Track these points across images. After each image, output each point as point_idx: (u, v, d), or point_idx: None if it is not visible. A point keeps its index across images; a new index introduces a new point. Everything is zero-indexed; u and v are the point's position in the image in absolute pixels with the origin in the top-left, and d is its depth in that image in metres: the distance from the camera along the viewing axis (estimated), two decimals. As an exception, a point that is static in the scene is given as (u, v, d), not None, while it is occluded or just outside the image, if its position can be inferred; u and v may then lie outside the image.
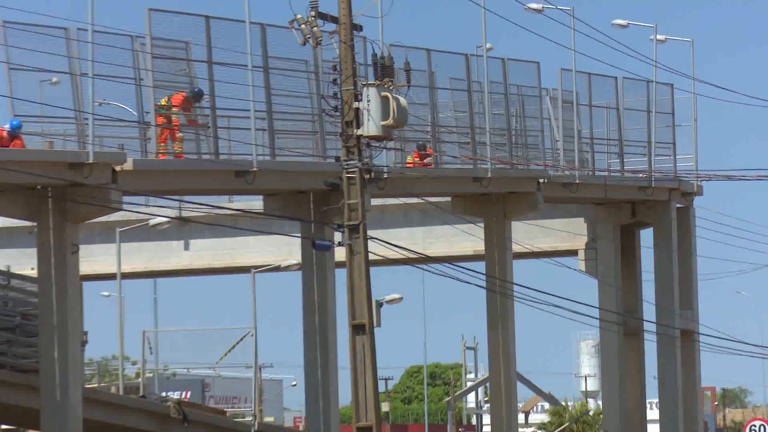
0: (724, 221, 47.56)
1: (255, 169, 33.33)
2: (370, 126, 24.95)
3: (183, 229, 54.11)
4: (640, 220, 46.30)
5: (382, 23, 31.91)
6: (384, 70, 26.06)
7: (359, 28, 26.48)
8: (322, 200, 33.06)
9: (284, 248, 48.39)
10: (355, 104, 25.01)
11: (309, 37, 25.67)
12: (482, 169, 39.21)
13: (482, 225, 42.93)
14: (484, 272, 39.31)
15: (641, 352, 48.06)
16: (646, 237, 48.88)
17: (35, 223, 31.26)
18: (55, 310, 29.42)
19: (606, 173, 43.28)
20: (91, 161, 28.11)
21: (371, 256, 26.81)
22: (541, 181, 41.78)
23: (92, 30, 28.27)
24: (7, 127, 28.31)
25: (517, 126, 42.04)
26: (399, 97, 26.03)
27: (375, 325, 26.78)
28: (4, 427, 51.71)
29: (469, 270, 34.51)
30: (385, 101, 25.21)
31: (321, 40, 25.88)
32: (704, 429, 60.49)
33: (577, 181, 41.97)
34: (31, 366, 33.51)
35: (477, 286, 35.34)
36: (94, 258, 51.01)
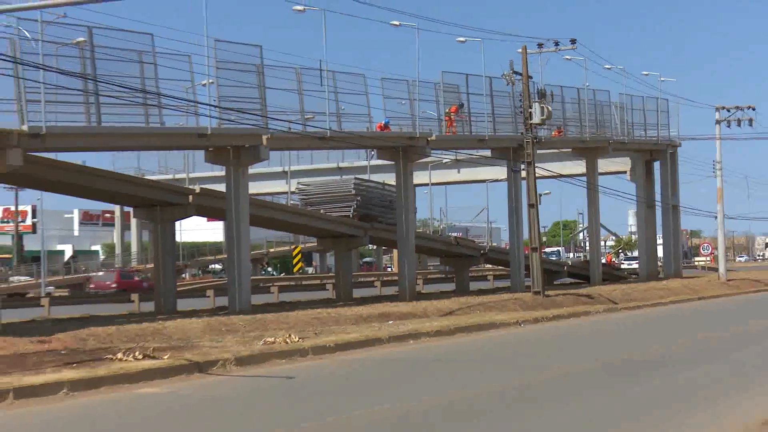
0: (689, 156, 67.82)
1: (487, 136, 47.59)
2: (536, 119, 41.52)
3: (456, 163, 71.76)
4: (654, 158, 64.11)
5: (542, 75, 46.69)
6: (540, 95, 43.13)
7: (531, 76, 43.12)
8: (516, 151, 47.61)
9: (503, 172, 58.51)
10: (530, 110, 41.73)
11: (510, 81, 43.28)
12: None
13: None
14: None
15: (655, 215, 64.30)
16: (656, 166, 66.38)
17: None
18: (402, 199, 44.83)
19: (641, 137, 61.24)
20: (418, 135, 43.21)
21: (539, 173, 43.06)
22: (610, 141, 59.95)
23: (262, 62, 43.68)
24: (382, 123, 43.30)
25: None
26: (547, 106, 42.41)
27: (538, 203, 43.45)
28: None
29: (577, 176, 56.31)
30: (541, 108, 41.48)
31: (514, 81, 43.36)
32: (683, 248, 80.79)
33: (626, 141, 58.69)
34: (393, 222, 47.58)
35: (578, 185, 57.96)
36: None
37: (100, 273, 71.24)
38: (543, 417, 14.29)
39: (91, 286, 66.15)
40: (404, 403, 15.84)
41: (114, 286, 60.46)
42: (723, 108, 62.54)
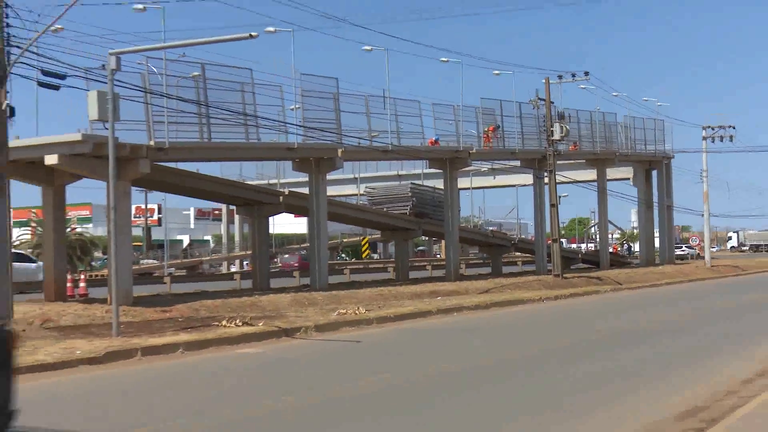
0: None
1: (517, 150, 46.94)
2: (556, 136, 42.09)
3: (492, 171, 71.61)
4: (652, 167, 62.17)
5: (561, 100, 49.95)
6: (560, 116, 43.38)
7: (552, 102, 42.95)
8: (540, 162, 46.42)
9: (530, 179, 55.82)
10: (551, 129, 42.08)
11: (535, 106, 44.14)
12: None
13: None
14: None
15: (653, 213, 62.49)
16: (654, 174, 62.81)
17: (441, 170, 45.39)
18: (449, 200, 44.78)
19: (642, 150, 59.73)
20: (461, 149, 42.89)
21: (558, 179, 43.35)
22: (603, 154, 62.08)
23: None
24: (433, 139, 42.73)
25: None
26: (565, 126, 43.04)
27: (558, 203, 43.72)
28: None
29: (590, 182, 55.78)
30: (561, 128, 42.06)
31: (538, 106, 43.92)
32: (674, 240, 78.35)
33: (629, 154, 57.82)
34: (441, 218, 46.44)
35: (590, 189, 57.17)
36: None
37: (286, 255, 73.19)
38: (559, 372, 14.15)
39: (280, 264, 68.41)
40: (450, 364, 15.81)
41: (296, 265, 61.00)
42: (708, 126, 62.46)
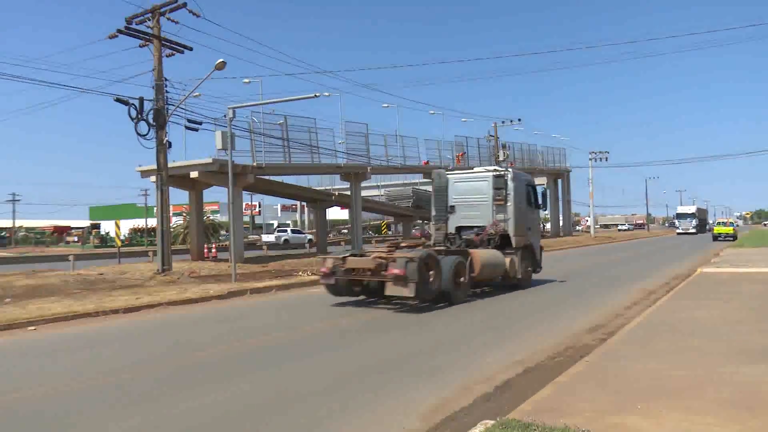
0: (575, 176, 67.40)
1: (476, 168, 53.58)
2: (501, 158, 41.68)
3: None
4: (558, 177, 60.56)
5: (504, 136, 51.20)
6: (503, 146, 44.01)
7: (498, 137, 44.06)
8: None
9: None
10: (498, 153, 42.70)
11: (488, 139, 47.94)
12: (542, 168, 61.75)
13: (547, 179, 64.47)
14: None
15: (558, 205, 60.95)
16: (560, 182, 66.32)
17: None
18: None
19: (552, 166, 60.37)
20: (442, 167, 41.66)
21: None
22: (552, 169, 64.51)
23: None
24: (426, 161, 49.35)
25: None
26: (506, 151, 42.81)
27: None
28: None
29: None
30: (503, 153, 41.94)
31: (490, 139, 47.36)
32: (571, 222, 74.16)
33: (545, 169, 57.71)
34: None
35: None
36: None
37: (415, 230, 68.55)
38: (507, 302, 13.73)
39: (418, 233, 64.00)
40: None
41: (420, 236, 58.66)
42: (593, 152, 62.32)
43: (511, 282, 15.89)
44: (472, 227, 16.37)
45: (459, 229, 16.65)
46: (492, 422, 5.14)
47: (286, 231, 54.41)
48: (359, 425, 5.49)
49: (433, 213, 17.22)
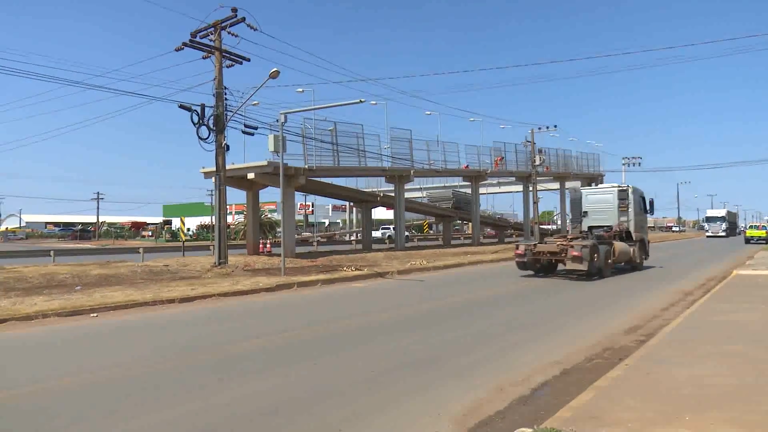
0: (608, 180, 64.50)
1: (514, 171, 45.12)
2: (537, 162, 38.81)
3: (498, 184, 65.74)
4: (591, 181, 55.07)
5: (541, 141, 49.19)
6: (539, 151, 39.75)
7: (535, 142, 40.85)
8: (527, 178, 45.22)
9: (521, 187, 55.26)
10: (534, 158, 38.92)
11: (525, 145, 45.56)
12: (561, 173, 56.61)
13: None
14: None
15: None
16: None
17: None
18: (474, 199, 43.49)
19: (587, 171, 56.98)
20: (481, 171, 41.31)
21: (537, 188, 47.54)
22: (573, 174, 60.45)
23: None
24: (466, 164, 41.43)
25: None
26: (542, 157, 39.45)
27: (537, 201, 47.28)
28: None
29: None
30: (539, 158, 38.82)
31: (527, 144, 42.90)
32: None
33: (579, 173, 54.41)
34: (469, 210, 45.03)
35: (555, 193, 56.23)
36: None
37: (488, 229, 67.51)
38: (540, 301, 12.91)
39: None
40: (479, 292, 14.65)
41: (493, 234, 61.52)
42: (626, 157, 60.99)
43: (632, 264, 20.59)
44: (601, 226, 20.82)
45: (590, 228, 21.02)
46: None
47: (389, 228, 56.16)
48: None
49: (570, 217, 22.18)
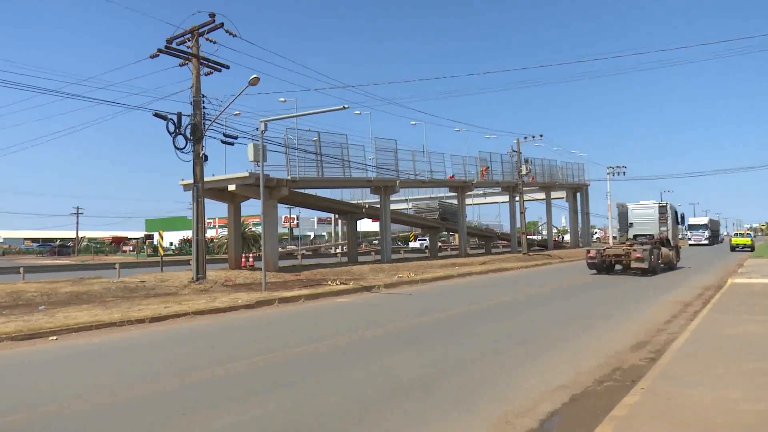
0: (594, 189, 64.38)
1: (500, 181, 43.82)
2: (523, 172, 39.63)
3: (484, 194, 65.64)
4: (577, 190, 56.10)
5: (526, 151, 48.75)
6: (525, 161, 40.62)
7: (521, 152, 40.28)
8: (513, 188, 45.87)
9: (507, 198, 55.39)
10: (520, 168, 39.65)
11: (511, 155, 44.00)
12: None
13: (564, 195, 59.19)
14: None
15: (577, 218, 56.87)
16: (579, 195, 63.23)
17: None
18: (460, 210, 42.27)
19: (572, 181, 56.53)
20: (466, 181, 40.63)
21: (524, 198, 46.10)
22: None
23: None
24: (451, 174, 40.46)
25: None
26: (528, 166, 40.30)
27: (524, 212, 43.36)
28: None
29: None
30: (525, 168, 39.76)
31: (513, 154, 41.84)
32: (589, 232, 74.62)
33: (564, 183, 54.11)
34: (455, 221, 44.11)
35: (541, 203, 55.77)
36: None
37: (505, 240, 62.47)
38: (531, 312, 12.20)
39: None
40: (471, 305, 13.89)
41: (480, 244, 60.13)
42: (611, 166, 60.42)
43: (670, 265, 25.44)
44: (644, 235, 25.16)
45: (635, 236, 25.32)
46: None
47: (425, 239, 58.28)
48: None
49: (618, 227, 26.64)
